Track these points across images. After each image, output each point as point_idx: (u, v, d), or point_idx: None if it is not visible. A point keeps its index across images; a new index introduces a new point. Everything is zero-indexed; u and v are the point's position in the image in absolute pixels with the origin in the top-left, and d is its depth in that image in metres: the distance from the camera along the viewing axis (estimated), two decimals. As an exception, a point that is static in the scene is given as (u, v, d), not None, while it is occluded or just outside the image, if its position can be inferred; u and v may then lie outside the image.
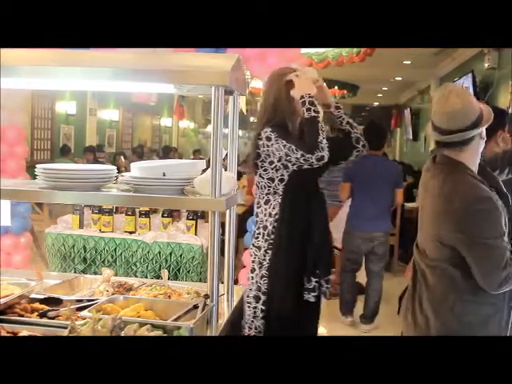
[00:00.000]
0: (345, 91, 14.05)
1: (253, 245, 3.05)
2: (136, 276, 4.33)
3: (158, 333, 2.05)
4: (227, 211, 2.63)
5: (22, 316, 2.25)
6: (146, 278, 4.17)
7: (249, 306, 2.98)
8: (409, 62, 10.95)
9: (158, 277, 4.03)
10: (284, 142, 2.82)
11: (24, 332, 2.06)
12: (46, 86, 2.95)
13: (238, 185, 2.80)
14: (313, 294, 2.96)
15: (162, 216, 4.63)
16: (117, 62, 2.43)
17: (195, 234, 4.54)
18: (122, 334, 1.99)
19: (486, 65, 7.62)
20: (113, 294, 2.54)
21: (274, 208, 2.97)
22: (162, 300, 2.47)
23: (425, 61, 10.18)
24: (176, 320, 2.17)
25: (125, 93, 10.90)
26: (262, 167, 2.96)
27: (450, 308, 2.44)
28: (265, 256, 2.97)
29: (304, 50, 6.93)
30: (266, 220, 2.98)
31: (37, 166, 2.42)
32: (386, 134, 5.93)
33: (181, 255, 4.42)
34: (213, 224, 2.27)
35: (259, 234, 3.01)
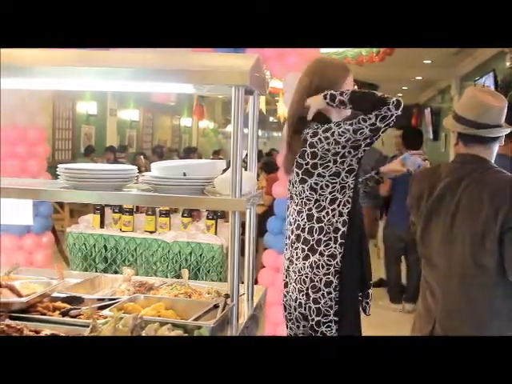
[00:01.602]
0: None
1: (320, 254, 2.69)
2: (156, 275, 4.35)
3: (179, 332, 2.06)
4: (247, 211, 2.63)
5: (45, 314, 2.27)
6: (166, 277, 4.18)
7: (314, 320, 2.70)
8: (429, 62, 10.88)
9: (178, 276, 4.04)
10: (347, 122, 2.55)
11: (46, 330, 2.07)
12: (66, 87, 2.97)
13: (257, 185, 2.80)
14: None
15: (182, 216, 4.64)
16: (137, 63, 2.44)
17: (215, 234, 4.55)
18: (143, 334, 2.00)
19: (508, 64, 7.55)
20: (134, 293, 2.55)
21: (344, 205, 2.68)
22: (182, 299, 2.48)
23: (445, 60, 10.11)
24: (196, 319, 2.18)
25: (145, 93, 10.95)
26: (321, 165, 2.63)
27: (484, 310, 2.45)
28: (341, 263, 2.68)
29: (323, 50, 6.92)
30: (337, 221, 2.67)
31: (58, 165, 2.44)
32: (423, 135, 6.50)
33: (201, 255, 4.43)
34: (233, 224, 2.27)
35: (330, 239, 2.68)
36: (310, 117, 2.65)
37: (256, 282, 3.32)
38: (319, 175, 2.65)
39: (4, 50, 2.61)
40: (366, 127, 2.52)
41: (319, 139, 2.59)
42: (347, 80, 2.74)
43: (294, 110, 2.74)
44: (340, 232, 2.67)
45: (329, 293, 2.67)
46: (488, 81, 7.99)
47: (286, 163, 2.77)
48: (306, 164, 2.65)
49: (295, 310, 2.73)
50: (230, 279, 2.32)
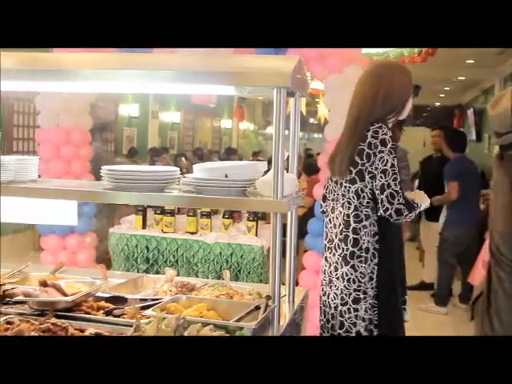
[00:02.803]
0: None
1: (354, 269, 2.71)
2: (197, 276, 4.38)
3: (221, 333, 2.07)
4: (288, 213, 2.63)
5: (89, 314, 2.31)
6: (207, 278, 4.20)
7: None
8: (472, 62, 10.72)
9: (219, 277, 4.07)
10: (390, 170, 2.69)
11: (90, 329, 2.11)
12: (109, 89, 3.01)
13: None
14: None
15: (223, 217, 4.67)
16: (179, 65, 2.47)
17: (256, 235, 4.56)
18: (186, 334, 2.01)
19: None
20: (176, 293, 2.57)
21: (378, 223, 2.76)
22: (224, 300, 2.49)
23: (488, 60, 9.94)
24: (238, 321, 2.18)
25: (186, 95, 11.03)
26: (370, 173, 2.71)
27: None
28: (371, 282, 2.71)
29: (364, 51, 6.88)
30: (372, 241, 2.73)
31: (102, 167, 2.48)
32: (466, 137, 6.69)
33: (241, 256, 4.45)
34: (275, 225, 2.27)
35: (363, 257, 2.70)
36: None
37: (297, 283, 3.31)
38: (366, 183, 2.70)
39: (51, 55, 2.66)
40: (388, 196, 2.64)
41: (375, 145, 2.66)
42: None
43: (359, 114, 2.75)
44: (370, 252, 2.71)
45: (355, 309, 2.70)
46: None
47: (339, 162, 2.77)
48: (362, 165, 2.69)
49: (332, 318, 2.78)
50: (271, 281, 2.32)
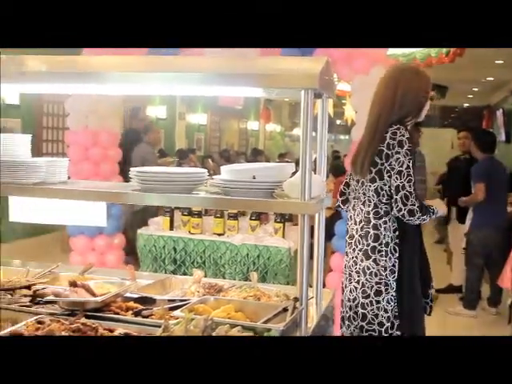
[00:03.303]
0: (433, 93, 13.76)
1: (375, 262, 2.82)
2: (224, 277, 4.39)
3: (249, 335, 2.07)
4: (316, 214, 2.63)
5: (118, 314, 2.33)
6: (234, 279, 4.21)
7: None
8: (501, 62, 10.60)
9: (246, 279, 4.07)
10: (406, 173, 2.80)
11: (119, 330, 2.12)
12: (137, 91, 3.04)
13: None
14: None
15: (250, 219, 4.67)
16: (207, 67, 2.48)
17: (283, 237, 4.56)
18: (214, 335, 2.02)
19: None
20: (203, 294, 2.58)
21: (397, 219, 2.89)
22: (251, 302, 2.50)
23: (518, 60, 9.84)
24: (266, 322, 2.19)
25: (212, 97, 11.07)
26: (388, 172, 2.83)
27: None
28: (392, 275, 2.83)
29: (390, 52, 6.84)
30: (392, 236, 2.85)
31: (131, 169, 2.50)
32: (496, 138, 6.67)
33: (268, 258, 4.45)
34: (302, 227, 2.27)
35: (383, 251, 2.82)
36: None
37: (324, 285, 3.31)
38: (385, 182, 2.82)
39: (80, 57, 2.69)
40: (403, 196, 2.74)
41: (393, 146, 2.78)
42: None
43: (379, 116, 2.87)
44: (390, 246, 2.83)
45: (377, 301, 2.82)
46: None
47: (360, 162, 2.89)
48: (381, 164, 2.80)
49: (350, 310, 2.91)
50: (299, 282, 2.32)
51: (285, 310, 2.30)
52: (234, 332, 2.04)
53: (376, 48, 4.13)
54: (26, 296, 2.48)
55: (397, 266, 2.81)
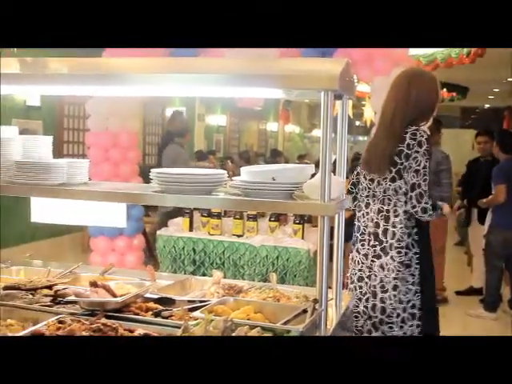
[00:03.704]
0: (454, 93, 13.66)
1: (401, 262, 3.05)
2: (243, 279, 4.39)
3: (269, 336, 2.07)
4: (336, 215, 2.62)
5: (138, 314, 2.33)
6: (253, 280, 4.22)
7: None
8: (523, 62, 10.51)
9: (265, 280, 4.07)
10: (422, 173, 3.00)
11: (139, 330, 2.13)
12: (157, 93, 3.05)
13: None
14: None
15: (270, 220, 4.67)
16: (227, 68, 2.48)
17: (302, 238, 4.56)
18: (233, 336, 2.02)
19: None
20: (223, 295, 2.58)
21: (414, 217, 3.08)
22: (271, 303, 2.49)
23: (540, 60, 9.74)
24: (285, 323, 2.18)
25: (231, 98, 11.09)
26: (406, 171, 3.05)
27: None
28: (410, 271, 3.06)
29: (412, 52, 6.81)
30: (410, 232, 3.06)
31: (151, 170, 2.51)
32: None
33: (287, 259, 4.45)
34: (322, 228, 2.26)
35: (401, 247, 3.03)
36: None
37: (343, 287, 3.30)
38: (405, 180, 3.00)
39: (101, 60, 2.70)
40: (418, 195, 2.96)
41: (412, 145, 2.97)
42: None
43: (394, 114, 3.07)
44: (409, 243, 3.04)
45: (394, 295, 3.01)
46: None
47: (378, 161, 3.06)
48: (401, 164, 2.99)
49: (366, 302, 3.09)
50: (318, 284, 2.32)
51: (304, 311, 2.29)
52: (254, 333, 2.04)
53: (397, 48, 4.12)
54: (47, 296, 2.50)
55: (414, 261, 3.02)
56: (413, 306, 3.05)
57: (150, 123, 11.52)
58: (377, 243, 3.04)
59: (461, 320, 5.90)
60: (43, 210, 2.82)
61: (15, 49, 2.33)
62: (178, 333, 2.05)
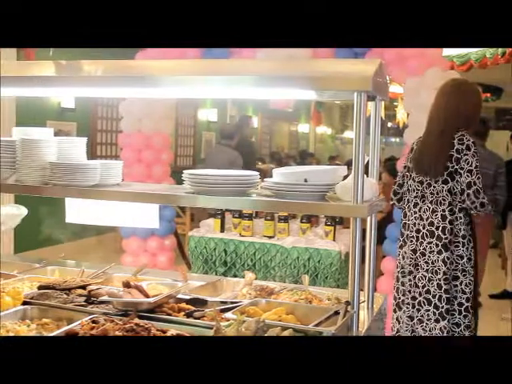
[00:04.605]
0: (488, 94, 13.48)
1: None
2: (274, 280, 4.39)
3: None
4: (368, 218, 2.61)
5: (170, 315, 2.34)
6: (285, 282, 4.21)
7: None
8: (560, 62, 10.32)
9: (296, 282, 4.07)
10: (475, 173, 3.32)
11: (172, 331, 2.14)
12: (190, 95, 3.06)
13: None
14: None
15: (301, 221, 4.67)
16: (260, 70, 2.49)
17: (333, 240, 4.54)
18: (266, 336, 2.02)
19: None
20: (255, 297, 2.59)
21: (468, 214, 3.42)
22: (303, 305, 2.49)
23: None
24: (317, 325, 2.18)
25: (263, 100, 11.11)
26: (458, 173, 3.36)
27: None
28: (467, 263, 3.38)
29: (445, 53, 6.73)
30: (464, 228, 3.38)
31: (184, 171, 2.52)
32: None
33: (319, 261, 4.44)
34: (354, 230, 2.25)
35: (458, 242, 3.36)
36: None
37: (375, 289, 3.28)
38: (457, 181, 3.31)
39: (135, 62, 2.73)
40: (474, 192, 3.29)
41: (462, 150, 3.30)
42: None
43: (446, 123, 3.38)
44: (467, 237, 3.37)
45: (455, 285, 3.35)
46: None
47: (431, 165, 3.36)
48: (452, 167, 3.30)
49: (420, 295, 3.38)
50: (350, 286, 2.31)
51: (336, 313, 2.28)
52: (286, 335, 2.04)
53: (430, 48, 4.08)
54: (81, 296, 2.53)
55: (472, 254, 3.37)
56: (471, 294, 3.38)
57: (182, 125, 11.58)
58: (433, 239, 3.33)
59: (494, 324, 5.81)
60: (77, 211, 2.85)
61: (51, 52, 2.36)
62: (210, 334, 2.06)
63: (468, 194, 3.26)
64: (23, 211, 2.09)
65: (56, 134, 2.93)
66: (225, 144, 6.83)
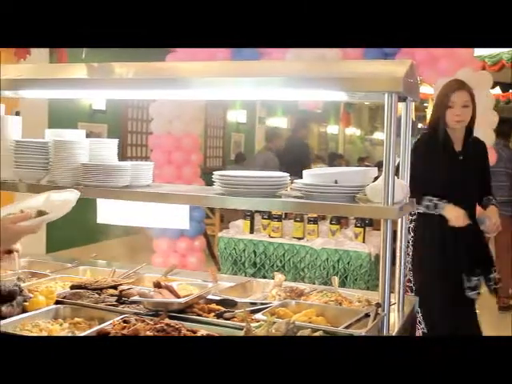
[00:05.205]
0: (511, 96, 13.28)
1: None
2: (304, 281, 4.38)
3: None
4: (399, 219, 2.59)
5: (200, 315, 2.36)
6: (314, 284, 4.20)
7: None
8: None
9: (326, 283, 4.05)
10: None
11: (202, 331, 2.15)
12: (219, 96, 3.08)
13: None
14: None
15: (330, 223, 4.65)
16: (289, 71, 2.48)
17: (363, 242, 4.51)
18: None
19: None
20: (285, 298, 2.59)
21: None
22: (333, 307, 2.48)
23: None
24: (347, 328, 2.17)
25: (292, 101, 11.10)
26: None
27: None
28: None
29: (477, 53, 6.66)
30: None
31: (214, 172, 2.53)
32: None
33: (348, 262, 4.42)
34: (385, 232, 2.24)
35: None
36: None
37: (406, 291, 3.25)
38: None
39: (165, 64, 2.74)
40: None
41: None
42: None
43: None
44: None
45: None
46: None
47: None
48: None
49: None
50: (381, 288, 2.29)
51: (367, 315, 2.27)
52: (316, 336, 2.04)
53: (461, 48, 4.04)
54: (112, 295, 2.55)
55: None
56: None
57: (212, 126, 11.62)
58: None
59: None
60: (109, 212, 2.88)
61: (83, 55, 2.38)
62: (241, 335, 2.06)
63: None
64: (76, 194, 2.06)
65: (87, 135, 2.96)
66: (265, 146, 6.94)
